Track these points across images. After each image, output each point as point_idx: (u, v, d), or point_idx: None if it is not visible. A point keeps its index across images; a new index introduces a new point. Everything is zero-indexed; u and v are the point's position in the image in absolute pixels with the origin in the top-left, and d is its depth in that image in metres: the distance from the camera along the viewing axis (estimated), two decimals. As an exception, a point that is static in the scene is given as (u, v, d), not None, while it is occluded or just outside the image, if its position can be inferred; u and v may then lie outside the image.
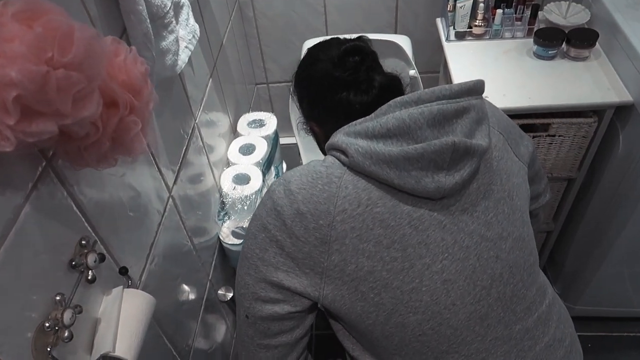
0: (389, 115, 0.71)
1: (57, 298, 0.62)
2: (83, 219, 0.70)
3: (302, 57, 0.91)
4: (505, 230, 0.75)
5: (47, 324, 0.59)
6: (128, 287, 0.78)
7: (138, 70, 0.59)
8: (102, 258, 0.70)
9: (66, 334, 0.61)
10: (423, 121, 0.69)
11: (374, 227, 0.71)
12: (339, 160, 0.75)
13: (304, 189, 0.73)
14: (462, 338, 0.74)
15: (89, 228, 0.71)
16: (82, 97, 0.46)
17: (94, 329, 0.72)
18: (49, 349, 0.60)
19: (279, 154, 1.62)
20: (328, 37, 0.91)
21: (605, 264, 1.45)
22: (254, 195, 1.31)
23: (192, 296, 1.15)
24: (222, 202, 1.33)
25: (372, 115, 0.73)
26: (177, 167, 1.05)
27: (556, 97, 1.22)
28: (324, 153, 0.91)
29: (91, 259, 0.67)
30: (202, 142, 1.23)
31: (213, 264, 1.30)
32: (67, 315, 0.61)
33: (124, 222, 0.82)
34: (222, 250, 1.36)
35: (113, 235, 0.77)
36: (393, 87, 0.82)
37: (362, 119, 0.74)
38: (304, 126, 0.95)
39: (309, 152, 1.61)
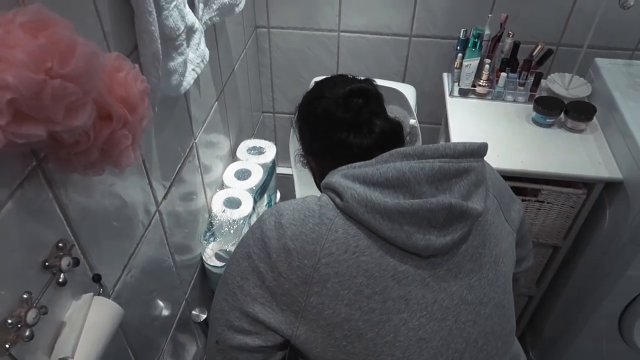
0: (390, 164, 0.71)
1: (24, 296, 0.63)
2: (64, 222, 0.71)
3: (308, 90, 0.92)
4: (487, 296, 0.75)
5: (9, 321, 0.60)
6: (99, 294, 0.79)
7: (137, 87, 0.62)
8: (76, 262, 0.71)
9: (27, 333, 0.62)
10: (423, 176, 0.69)
11: (357, 276, 0.70)
12: (334, 202, 0.74)
13: (294, 225, 0.73)
14: None
15: (69, 231, 0.72)
16: (75, 108, 0.48)
17: (57, 332, 0.72)
18: (7, 346, 0.60)
19: (274, 183, 1.64)
20: (336, 75, 0.91)
21: (583, 335, 1.45)
22: (242, 221, 1.32)
23: (165, 313, 1.15)
24: (210, 223, 1.35)
25: (373, 161, 0.74)
26: (169, 183, 1.07)
27: (549, 164, 1.24)
28: (319, 188, 0.92)
29: (65, 262, 0.68)
30: (199, 162, 1.25)
31: (192, 283, 1.31)
32: (31, 315, 0.62)
33: (106, 230, 0.83)
34: (203, 270, 1.37)
35: (92, 242, 0.79)
36: (394, 133, 0.83)
37: (362, 162, 0.74)
38: (302, 159, 0.96)
39: (304, 185, 1.64)
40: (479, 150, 0.74)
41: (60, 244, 0.69)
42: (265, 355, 0.78)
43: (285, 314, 0.73)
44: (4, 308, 0.61)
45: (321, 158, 0.88)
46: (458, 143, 0.73)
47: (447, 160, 0.71)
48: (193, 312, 1.23)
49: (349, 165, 0.76)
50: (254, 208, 1.38)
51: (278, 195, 1.74)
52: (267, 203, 1.55)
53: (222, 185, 1.43)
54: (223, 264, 1.31)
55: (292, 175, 1.66)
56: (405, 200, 0.68)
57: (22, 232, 0.63)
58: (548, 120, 1.33)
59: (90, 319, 0.74)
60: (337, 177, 0.74)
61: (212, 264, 1.31)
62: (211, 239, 1.34)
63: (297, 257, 0.71)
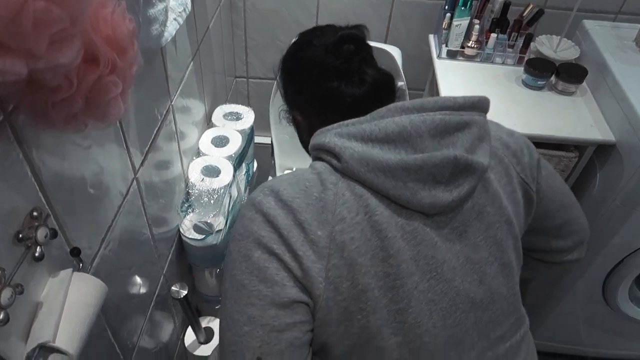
0: (388, 119, 0.66)
1: (-5, 273, 0.53)
2: (37, 188, 0.61)
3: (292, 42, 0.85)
4: (492, 255, 0.72)
5: (-20, 302, 0.51)
6: (78, 270, 0.70)
7: (126, 27, 0.53)
8: (54, 234, 0.62)
9: (1, 316, 0.53)
10: (424, 130, 0.65)
11: (372, 238, 0.65)
12: (330, 165, 0.69)
13: (298, 198, 0.66)
14: None
15: (42, 199, 0.63)
16: (60, 40, 0.39)
17: (33, 315, 0.63)
18: (-22, 332, 0.51)
19: (252, 151, 1.55)
20: (323, 25, 0.84)
21: (566, 300, 1.46)
22: (222, 190, 1.24)
23: (143, 289, 1.06)
24: (187, 194, 1.25)
25: (368, 117, 0.68)
26: (146, 149, 0.97)
27: (540, 127, 1.21)
28: (304, 146, 0.85)
29: (42, 233, 0.59)
30: (175, 127, 1.15)
31: (169, 258, 1.22)
32: (6, 294, 0.53)
33: (83, 198, 0.74)
34: (181, 244, 1.28)
35: (68, 212, 0.69)
36: (386, 85, 0.77)
37: (355, 119, 0.69)
38: (286, 115, 0.89)
39: (285, 154, 1.56)
40: (480, 104, 0.70)
41: (35, 213, 0.60)
42: (309, 346, 0.69)
43: (309, 293, 0.66)
44: (-27, 288, 0.52)
45: (309, 112, 0.81)
46: (458, 96, 0.69)
47: (448, 112, 0.67)
48: (173, 287, 1.14)
49: (341, 123, 0.69)
50: (234, 176, 1.30)
51: (255, 164, 1.65)
52: (246, 172, 1.46)
53: (199, 153, 1.33)
54: (203, 236, 1.23)
55: (269, 144, 1.58)
56: (409, 156, 0.64)
57: (-9, 198, 0.53)
58: (539, 82, 1.29)
59: (70, 298, 0.65)
60: (330, 137, 0.68)
61: (190, 236, 1.23)
62: (189, 210, 1.25)
63: (310, 230, 0.65)
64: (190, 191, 1.23)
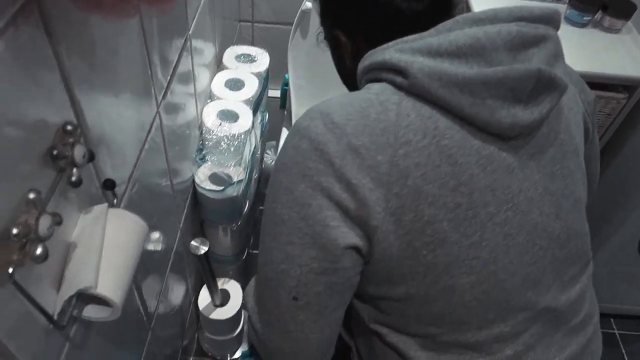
0: (457, 31, 0.57)
1: (31, 196, 0.41)
2: (68, 98, 0.49)
3: None
4: (568, 188, 0.64)
5: (14, 231, 0.38)
6: (112, 207, 0.58)
7: None
8: (91, 156, 0.49)
9: (39, 251, 0.41)
10: (500, 42, 0.56)
11: (440, 164, 0.56)
12: (393, 84, 0.58)
13: (353, 120, 0.56)
14: (512, 305, 0.62)
15: (72, 113, 0.50)
16: None
17: (65, 256, 0.51)
18: (10, 270, 0.39)
19: (266, 99, 1.42)
20: None
21: (600, 259, 1.40)
22: (243, 136, 1.11)
23: (163, 245, 0.95)
24: (203, 141, 1.13)
25: (432, 30, 0.59)
26: (168, 79, 0.84)
27: (588, 65, 1.12)
28: (345, 75, 0.74)
29: (79, 152, 0.47)
30: (192, 63, 1.01)
31: (185, 211, 1.10)
32: (44, 223, 0.41)
33: (111, 123, 0.61)
34: (195, 197, 1.16)
35: (99, 135, 0.57)
36: (445, 1, 0.66)
37: (417, 35, 0.59)
38: (325, 39, 0.76)
39: (302, 101, 1.43)
40: (555, 18, 0.61)
41: (69, 127, 0.47)
42: (353, 290, 0.64)
43: (362, 230, 0.57)
44: (3, 211, 0.39)
45: (356, 30, 0.69)
46: (534, 6, 0.60)
47: (524, 24, 0.58)
48: (193, 242, 1.02)
49: (399, 40, 0.60)
50: (253, 123, 1.17)
51: (267, 116, 1.52)
52: (261, 121, 1.34)
53: (212, 97, 1.20)
54: (222, 187, 1.11)
55: (277, 97, 1.45)
56: (488, 69, 0.55)
57: (19, 97, 0.41)
58: (585, 18, 1.20)
59: (109, 238, 0.53)
60: (391, 53, 0.58)
61: (207, 187, 1.11)
62: (205, 159, 1.12)
63: (368, 155, 0.55)
64: (208, 136, 1.10)
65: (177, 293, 1.14)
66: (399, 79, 0.57)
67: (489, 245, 0.58)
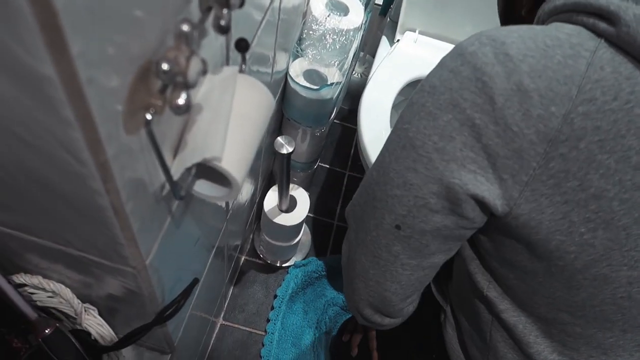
0: None
1: (184, 28, 0.32)
2: None
3: None
4: None
5: (164, 66, 0.30)
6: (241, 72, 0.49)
7: None
8: (242, 1, 0.40)
9: (182, 100, 0.32)
10: None
11: (626, 135, 0.45)
12: (594, 29, 0.46)
13: (532, 57, 0.45)
14: None
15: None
16: None
17: (188, 118, 0.43)
18: (149, 115, 0.31)
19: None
20: None
21: None
22: (352, 33, 1.00)
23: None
24: (306, 31, 1.01)
25: None
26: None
27: None
28: (509, 12, 0.62)
29: (233, -10, 0.37)
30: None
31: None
32: (195, 67, 0.32)
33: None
34: (284, 91, 1.07)
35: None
36: None
37: None
38: None
39: (413, 10, 1.27)
40: None
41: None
42: (460, 242, 0.57)
43: (504, 184, 0.48)
44: (152, 39, 0.30)
45: None
46: None
47: None
48: (279, 139, 0.94)
49: None
50: (364, 21, 1.05)
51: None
52: (365, 22, 1.20)
53: (320, -15, 1.07)
54: (317, 87, 1.01)
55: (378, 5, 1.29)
56: None
57: None
58: None
59: (237, 106, 0.45)
60: None
61: (302, 83, 1.01)
62: (306, 51, 1.02)
63: (539, 102, 0.44)
64: (314, 26, 0.98)
65: (247, 190, 1.09)
66: (602, 25, 0.45)
67: None
